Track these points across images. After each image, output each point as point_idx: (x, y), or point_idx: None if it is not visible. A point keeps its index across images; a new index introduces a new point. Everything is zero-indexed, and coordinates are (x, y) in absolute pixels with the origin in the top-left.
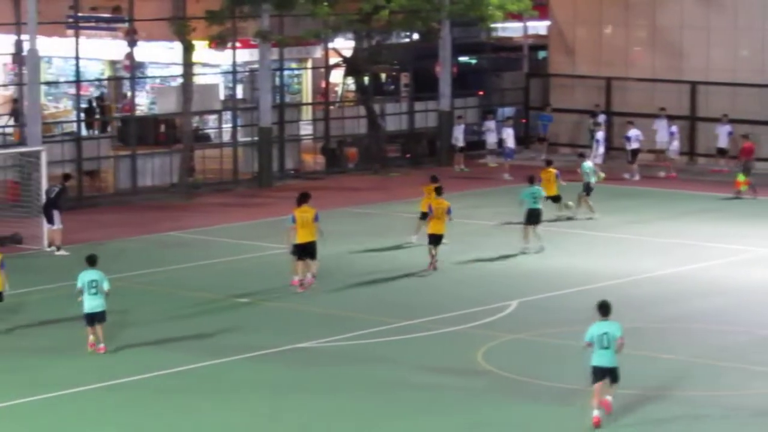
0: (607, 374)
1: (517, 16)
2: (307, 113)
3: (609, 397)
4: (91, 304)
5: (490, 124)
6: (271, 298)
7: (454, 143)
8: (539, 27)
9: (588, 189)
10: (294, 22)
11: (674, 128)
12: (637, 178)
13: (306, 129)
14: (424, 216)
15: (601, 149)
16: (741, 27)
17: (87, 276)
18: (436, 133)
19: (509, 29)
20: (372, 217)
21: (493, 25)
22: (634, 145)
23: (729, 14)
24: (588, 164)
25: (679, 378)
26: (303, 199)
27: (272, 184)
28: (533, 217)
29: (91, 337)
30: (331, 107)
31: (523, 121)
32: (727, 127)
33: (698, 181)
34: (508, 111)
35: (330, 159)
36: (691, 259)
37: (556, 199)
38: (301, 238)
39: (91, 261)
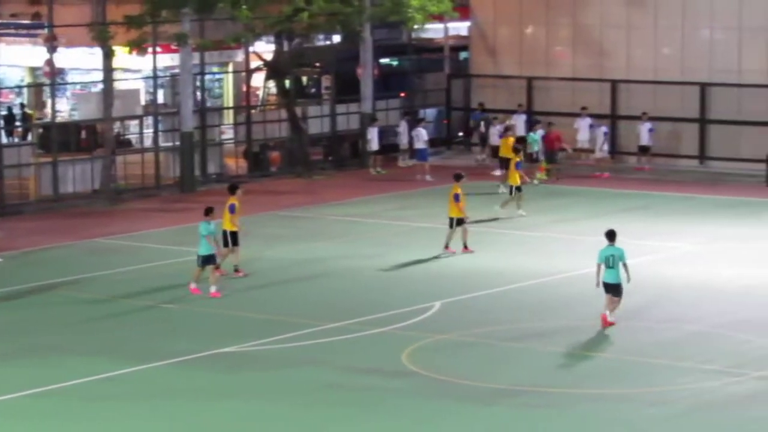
0: (612, 289)
1: (439, 18)
2: (229, 117)
3: (612, 318)
4: None
5: (403, 124)
6: (196, 303)
7: (368, 146)
8: (461, 28)
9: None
10: (215, 26)
11: (605, 127)
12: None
13: (228, 133)
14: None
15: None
16: (661, 26)
17: None
18: (358, 135)
19: (431, 30)
20: (297, 220)
21: (416, 27)
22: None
23: (649, 13)
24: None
25: (609, 375)
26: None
27: (195, 189)
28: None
29: None
30: (253, 111)
31: (445, 122)
32: (648, 125)
33: (622, 179)
34: (430, 112)
35: (253, 163)
36: None
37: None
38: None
39: None
